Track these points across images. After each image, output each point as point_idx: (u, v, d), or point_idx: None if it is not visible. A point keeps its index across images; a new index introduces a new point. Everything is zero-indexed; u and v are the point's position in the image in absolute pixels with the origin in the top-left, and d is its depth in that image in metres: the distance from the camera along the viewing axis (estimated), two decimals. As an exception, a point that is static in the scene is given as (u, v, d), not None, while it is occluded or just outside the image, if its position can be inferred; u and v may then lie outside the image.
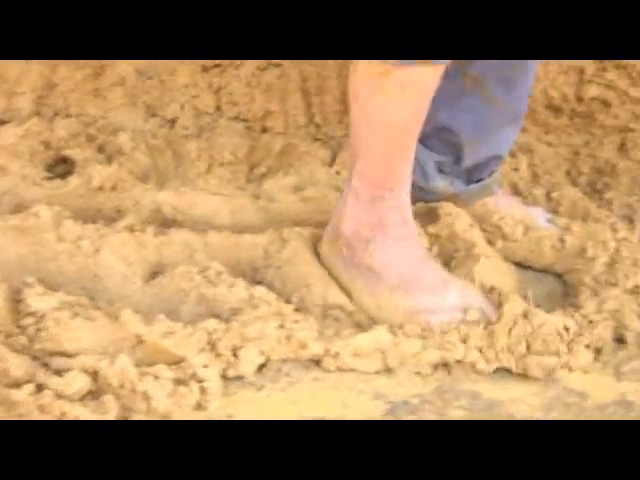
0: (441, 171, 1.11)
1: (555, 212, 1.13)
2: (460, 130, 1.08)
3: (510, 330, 0.81)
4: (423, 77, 0.90)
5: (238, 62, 1.31)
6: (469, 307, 0.88)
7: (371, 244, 0.94)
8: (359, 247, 0.93)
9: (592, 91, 1.31)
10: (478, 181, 1.13)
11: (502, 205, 1.14)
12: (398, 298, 0.91)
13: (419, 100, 0.92)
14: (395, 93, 0.90)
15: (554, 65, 1.29)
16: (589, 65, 1.29)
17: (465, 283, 0.95)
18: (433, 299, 0.92)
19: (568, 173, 1.29)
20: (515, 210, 1.13)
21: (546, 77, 1.30)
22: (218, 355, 0.78)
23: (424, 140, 1.04)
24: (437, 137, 1.08)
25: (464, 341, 0.82)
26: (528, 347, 0.80)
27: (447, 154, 1.09)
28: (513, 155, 1.24)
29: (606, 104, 1.31)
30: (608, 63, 1.28)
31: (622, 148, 1.30)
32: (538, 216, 1.10)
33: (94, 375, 0.74)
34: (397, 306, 0.91)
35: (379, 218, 0.95)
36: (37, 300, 0.82)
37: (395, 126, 0.94)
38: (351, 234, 0.92)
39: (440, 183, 1.12)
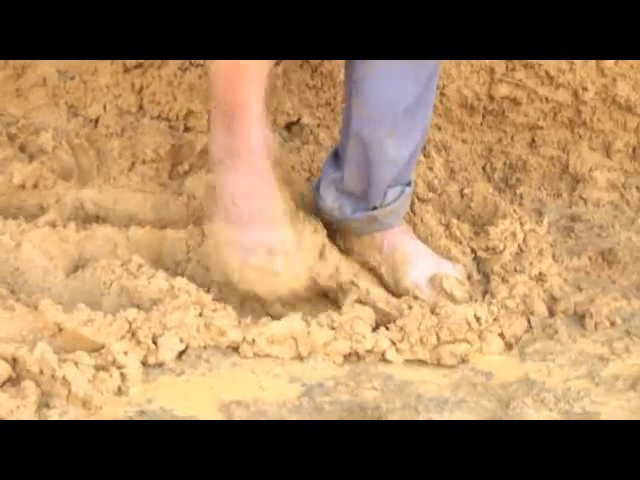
0: (337, 189, 1.05)
1: (468, 207, 1.17)
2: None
3: (420, 324, 0.85)
4: None
5: (159, 62, 1.30)
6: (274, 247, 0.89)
7: (221, 166, 0.95)
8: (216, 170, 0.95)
9: (503, 90, 1.32)
10: (374, 209, 1.05)
11: (388, 246, 1.07)
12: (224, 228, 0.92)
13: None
14: None
15: (466, 65, 1.31)
16: (499, 65, 1.31)
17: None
18: (238, 233, 0.93)
19: (483, 169, 1.33)
20: (398, 256, 1.06)
21: (459, 77, 1.32)
22: (138, 343, 0.79)
23: (335, 153, 1.03)
24: (338, 151, 1.06)
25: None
26: (438, 338, 0.85)
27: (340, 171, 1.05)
28: (427, 154, 1.27)
29: (516, 102, 1.33)
30: (517, 63, 1.30)
31: (532, 145, 1.34)
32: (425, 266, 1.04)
33: (13, 362, 0.74)
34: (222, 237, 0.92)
35: (226, 151, 0.96)
36: None
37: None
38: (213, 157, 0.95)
39: (326, 203, 1.06)
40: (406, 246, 1.05)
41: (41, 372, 0.73)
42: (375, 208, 1.01)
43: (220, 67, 0.95)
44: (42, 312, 0.81)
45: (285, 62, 1.25)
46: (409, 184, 1.05)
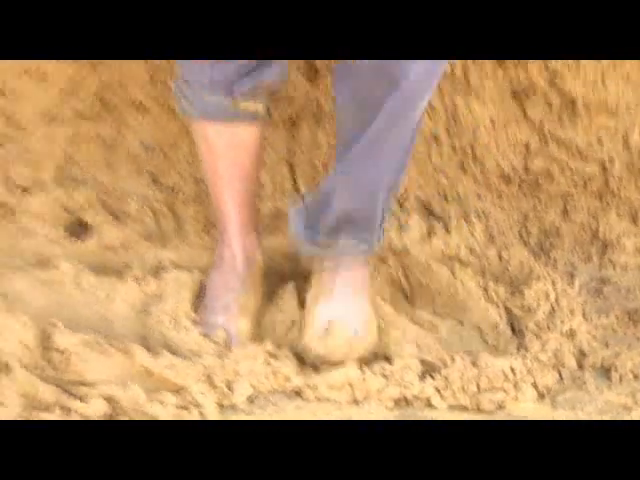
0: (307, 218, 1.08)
1: (505, 270, 1.23)
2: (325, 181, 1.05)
3: (462, 374, 0.93)
4: (208, 134, 1.05)
5: None
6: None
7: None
8: None
9: (537, 163, 1.37)
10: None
11: (325, 285, 1.07)
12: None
13: (233, 154, 1.07)
14: (201, 144, 1.07)
15: (504, 140, 1.35)
16: (534, 140, 1.35)
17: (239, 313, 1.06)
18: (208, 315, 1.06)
19: (519, 234, 1.37)
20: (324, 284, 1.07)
21: (497, 150, 1.37)
22: (214, 387, 0.88)
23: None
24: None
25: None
26: (478, 387, 0.92)
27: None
28: (468, 220, 1.34)
29: (549, 174, 1.37)
30: (550, 138, 1.34)
31: (565, 212, 1.38)
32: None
33: (110, 400, 0.84)
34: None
35: (218, 253, 1.11)
36: (62, 338, 0.91)
37: (217, 174, 1.09)
38: None
39: (292, 228, 1.08)
40: (337, 286, 1.06)
41: (133, 409, 0.84)
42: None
43: (206, 173, 1.10)
44: (132, 356, 0.90)
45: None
46: (372, 234, 1.05)
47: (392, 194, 1.06)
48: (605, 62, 1.24)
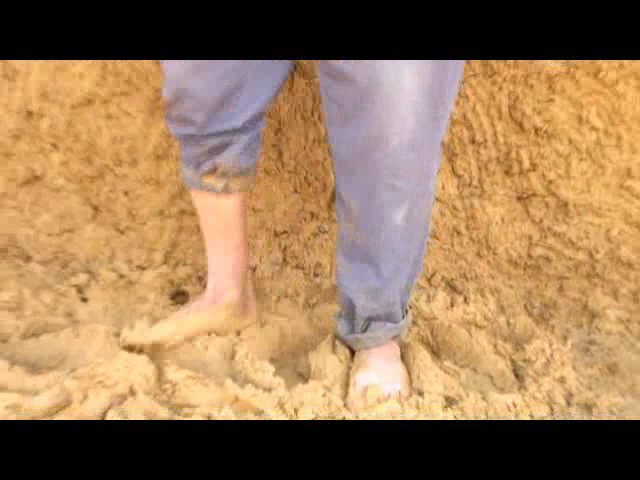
0: (340, 315, 1.17)
1: (512, 332, 1.30)
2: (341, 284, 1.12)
3: (474, 405, 1.01)
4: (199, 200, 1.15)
5: (298, 228, 1.50)
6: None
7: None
8: None
9: (538, 251, 1.44)
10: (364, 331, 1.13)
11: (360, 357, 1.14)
12: None
13: (206, 216, 1.17)
14: (197, 204, 1.18)
15: (512, 233, 1.42)
16: (535, 233, 1.42)
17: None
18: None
19: (525, 307, 1.45)
20: (358, 361, 1.12)
21: (506, 241, 1.43)
22: (284, 410, 0.98)
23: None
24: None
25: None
26: (486, 415, 0.99)
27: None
28: (483, 295, 1.44)
29: (548, 259, 1.44)
30: (548, 232, 1.40)
31: (561, 290, 1.46)
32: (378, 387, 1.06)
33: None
34: None
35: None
36: (172, 374, 1.04)
37: (201, 228, 1.21)
38: None
39: (336, 327, 1.17)
40: (371, 359, 1.11)
41: (225, 425, 0.93)
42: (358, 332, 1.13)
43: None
44: (225, 387, 1.01)
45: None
46: (396, 321, 1.13)
47: (408, 290, 1.12)
48: (590, 172, 1.33)
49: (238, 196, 1.17)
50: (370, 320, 1.11)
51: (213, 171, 1.11)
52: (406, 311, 1.16)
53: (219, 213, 1.19)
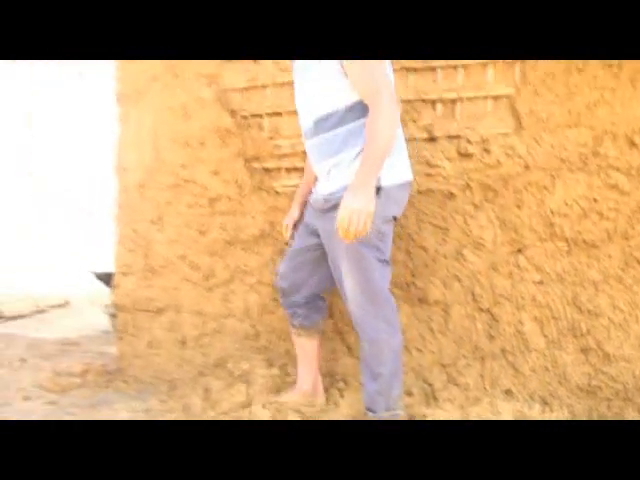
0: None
1: None
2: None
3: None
4: None
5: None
6: None
7: None
8: None
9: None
10: None
11: None
12: None
13: (299, 346, 2.37)
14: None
15: None
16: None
17: None
18: None
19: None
20: None
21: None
22: None
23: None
24: None
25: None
26: None
27: None
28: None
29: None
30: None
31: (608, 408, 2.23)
32: None
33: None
34: None
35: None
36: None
37: (297, 353, 2.38)
38: None
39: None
40: None
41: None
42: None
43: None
44: None
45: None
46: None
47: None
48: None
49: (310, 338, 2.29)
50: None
51: (293, 325, 2.29)
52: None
53: (303, 346, 2.29)
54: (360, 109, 1.80)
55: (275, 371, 2.50)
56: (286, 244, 2.49)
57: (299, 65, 1.91)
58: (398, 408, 1.92)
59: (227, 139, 2.74)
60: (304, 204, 2.21)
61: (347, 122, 1.81)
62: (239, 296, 2.78)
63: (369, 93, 1.74)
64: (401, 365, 1.95)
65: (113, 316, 4.39)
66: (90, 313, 4.99)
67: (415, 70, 2.46)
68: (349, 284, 1.83)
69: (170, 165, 2.86)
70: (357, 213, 1.64)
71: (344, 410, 2.16)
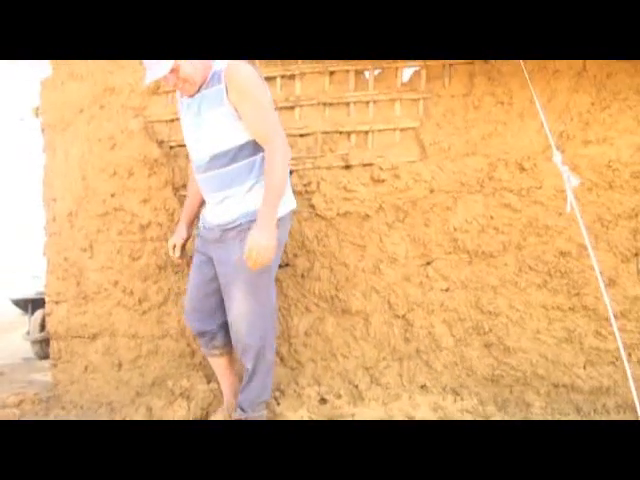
0: None
1: None
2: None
3: None
4: None
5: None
6: None
7: None
8: None
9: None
10: None
11: None
12: None
13: (215, 367, 2.51)
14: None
15: None
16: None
17: None
18: None
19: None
20: None
21: None
22: None
23: None
24: None
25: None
26: None
27: None
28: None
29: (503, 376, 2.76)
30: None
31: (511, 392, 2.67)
32: None
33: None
34: None
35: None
36: None
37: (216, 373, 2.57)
38: None
39: None
40: None
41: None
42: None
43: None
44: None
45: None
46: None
47: None
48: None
49: (228, 355, 2.46)
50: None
51: (212, 347, 2.43)
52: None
53: (219, 366, 2.46)
54: (250, 148, 2.03)
55: (214, 385, 2.65)
56: (177, 265, 2.75)
57: (190, 109, 2.11)
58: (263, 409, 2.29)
59: (155, 168, 2.88)
60: (190, 224, 2.41)
61: (239, 160, 2.02)
62: (173, 317, 2.92)
63: (264, 136, 1.97)
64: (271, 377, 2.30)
65: (35, 343, 4.44)
66: (8, 341, 4.87)
67: (331, 105, 2.76)
68: (241, 305, 2.07)
69: (99, 194, 2.96)
70: (264, 248, 1.89)
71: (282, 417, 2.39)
